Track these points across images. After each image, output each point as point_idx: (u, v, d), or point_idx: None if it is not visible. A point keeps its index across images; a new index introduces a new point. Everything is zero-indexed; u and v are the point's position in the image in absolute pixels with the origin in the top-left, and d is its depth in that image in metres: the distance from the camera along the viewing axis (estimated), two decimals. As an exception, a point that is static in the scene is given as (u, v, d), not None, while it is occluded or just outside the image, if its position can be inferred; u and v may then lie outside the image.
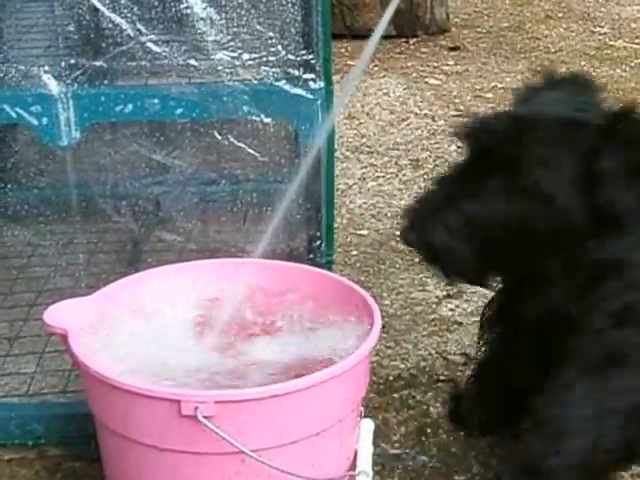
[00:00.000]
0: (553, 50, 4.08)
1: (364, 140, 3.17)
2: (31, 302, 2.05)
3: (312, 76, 1.60)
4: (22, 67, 1.59)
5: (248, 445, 1.32)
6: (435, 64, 3.91)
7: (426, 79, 3.75)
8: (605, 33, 4.31)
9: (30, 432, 1.72)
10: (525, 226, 1.41)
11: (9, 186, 2.11)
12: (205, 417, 1.30)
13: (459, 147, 3.09)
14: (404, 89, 3.63)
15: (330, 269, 1.74)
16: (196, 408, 1.30)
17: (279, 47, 1.60)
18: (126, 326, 1.52)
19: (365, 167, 2.97)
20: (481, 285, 1.55)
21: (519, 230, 1.41)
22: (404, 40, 4.18)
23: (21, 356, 1.91)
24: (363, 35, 4.15)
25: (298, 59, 1.60)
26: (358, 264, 2.41)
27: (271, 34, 1.61)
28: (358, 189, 2.83)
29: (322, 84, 1.60)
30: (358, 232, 2.57)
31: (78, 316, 1.47)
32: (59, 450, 1.73)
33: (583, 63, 3.89)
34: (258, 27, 1.61)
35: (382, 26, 1.39)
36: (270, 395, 1.32)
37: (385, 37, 4.14)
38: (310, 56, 1.59)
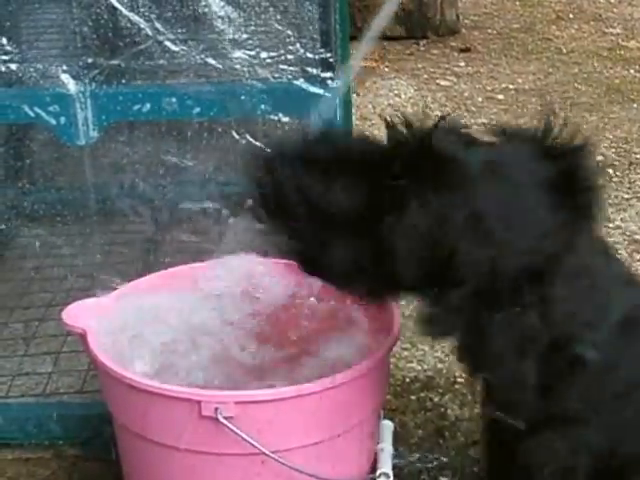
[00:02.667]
0: (565, 51, 4.06)
1: (376, 141, 3.16)
2: (47, 302, 2.05)
3: (330, 75, 1.59)
4: (40, 67, 1.59)
5: (268, 446, 1.31)
6: (446, 65, 3.90)
7: (437, 80, 3.74)
8: (617, 34, 4.29)
9: (47, 432, 1.73)
10: None
11: (25, 186, 2.11)
12: (225, 418, 1.29)
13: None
14: (415, 90, 3.62)
15: (348, 269, 1.73)
16: (216, 409, 1.29)
17: (297, 45, 1.60)
18: (145, 326, 1.51)
19: (378, 168, 2.97)
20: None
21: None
22: (414, 42, 4.18)
23: (37, 356, 1.92)
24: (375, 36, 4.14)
25: (316, 58, 1.59)
26: (372, 265, 2.39)
27: (289, 32, 1.60)
28: (371, 190, 2.82)
29: (340, 83, 1.59)
30: (371, 233, 2.56)
31: (97, 315, 1.47)
32: (75, 450, 1.73)
33: (596, 64, 3.88)
34: (276, 26, 1.60)
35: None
36: (291, 396, 1.32)
37: (395, 38, 4.13)
38: (328, 54, 1.59)
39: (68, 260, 2.10)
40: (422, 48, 4.14)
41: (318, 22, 1.59)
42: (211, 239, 1.86)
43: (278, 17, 1.60)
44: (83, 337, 1.44)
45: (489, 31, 4.37)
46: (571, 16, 4.56)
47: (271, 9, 1.60)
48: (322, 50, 1.59)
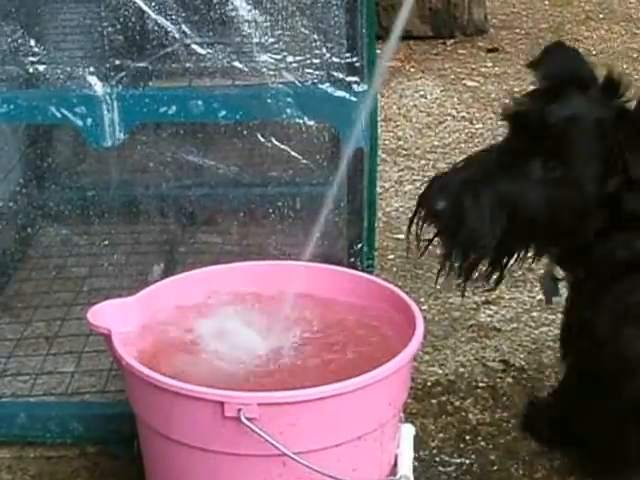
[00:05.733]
0: (594, 52, 4.02)
1: (401, 143, 3.15)
2: (69, 302, 2.06)
3: (356, 79, 1.59)
4: (67, 68, 1.60)
5: (290, 448, 1.32)
6: (473, 66, 3.88)
7: (464, 81, 3.72)
8: (649, 35, 4.25)
9: (69, 431, 1.73)
10: (554, 212, 1.45)
11: (48, 185, 2.13)
12: (248, 419, 1.30)
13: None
14: (441, 91, 3.61)
15: (371, 273, 1.73)
16: (239, 410, 1.30)
17: (323, 49, 1.60)
18: (170, 327, 1.52)
19: (402, 170, 2.96)
20: (493, 268, 1.53)
21: (549, 215, 1.45)
22: (441, 41, 4.16)
23: (60, 355, 1.93)
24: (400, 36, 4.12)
25: (342, 62, 1.60)
26: (395, 268, 2.39)
27: (315, 36, 1.60)
28: (394, 192, 2.82)
29: (366, 87, 1.60)
30: (395, 236, 2.56)
31: (122, 316, 1.48)
32: (98, 449, 1.74)
33: (625, 66, 3.83)
34: (302, 29, 1.61)
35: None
36: (313, 398, 1.32)
37: (422, 38, 4.11)
38: (354, 59, 1.59)
39: (91, 260, 2.11)
40: (449, 48, 4.13)
41: (344, 26, 1.60)
42: (234, 241, 1.88)
43: (304, 21, 1.60)
44: (108, 337, 1.45)
45: (517, 31, 4.34)
46: (601, 16, 4.51)
47: (298, 13, 1.60)
48: (348, 54, 1.59)
